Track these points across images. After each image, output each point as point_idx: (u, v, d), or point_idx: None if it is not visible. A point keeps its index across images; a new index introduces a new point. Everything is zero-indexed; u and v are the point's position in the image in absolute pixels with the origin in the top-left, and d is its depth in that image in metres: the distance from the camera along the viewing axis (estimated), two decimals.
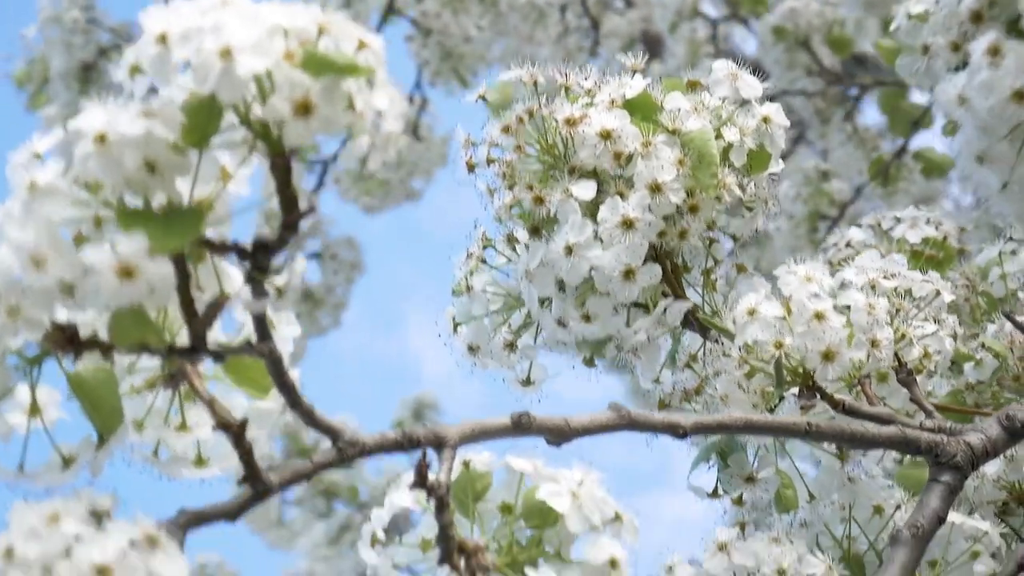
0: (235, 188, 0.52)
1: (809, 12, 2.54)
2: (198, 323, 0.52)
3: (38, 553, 0.47)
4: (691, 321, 0.91)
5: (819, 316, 0.82)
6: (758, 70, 0.93)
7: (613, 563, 0.64)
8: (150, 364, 0.59)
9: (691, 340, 0.95)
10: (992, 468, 0.94)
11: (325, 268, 2.26)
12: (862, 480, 0.97)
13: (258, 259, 0.53)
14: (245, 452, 0.55)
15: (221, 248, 0.52)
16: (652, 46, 2.73)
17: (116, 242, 0.49)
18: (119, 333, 0.51)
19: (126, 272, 0.49)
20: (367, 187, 2.17)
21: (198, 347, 0.53)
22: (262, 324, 0.54)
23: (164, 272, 0.49)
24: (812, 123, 2.58)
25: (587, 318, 0.83)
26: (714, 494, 0.96)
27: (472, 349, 0.93)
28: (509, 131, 0.85)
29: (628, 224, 0.82)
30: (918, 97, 2.60)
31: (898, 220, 1.42)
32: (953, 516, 0.98)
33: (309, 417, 0.59)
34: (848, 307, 0.86)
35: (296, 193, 0.52)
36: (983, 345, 1.10)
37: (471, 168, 0.89)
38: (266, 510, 2.63)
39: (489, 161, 0.87)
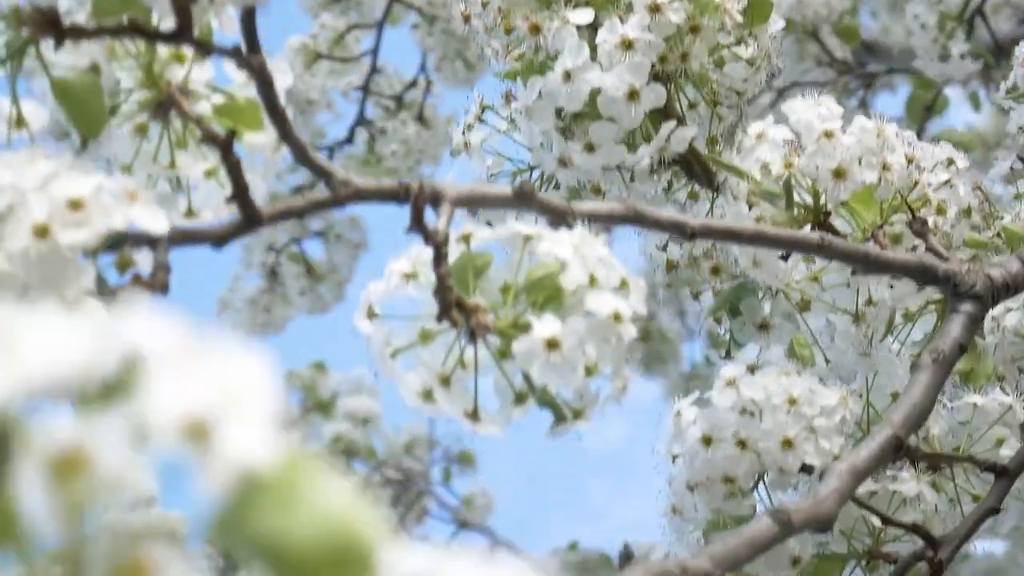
0: None
1: (816, 2, 2.54)
2: None
3: (11, 180, 0.45)
4: (696, 172, 0.89)
5: (828, 135, 0.81)
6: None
7: (617, 317, 0.61)
8: (135, 100, 0.58)
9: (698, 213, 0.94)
10: (1012, 320, 0.92)
11: (329, 248, 2.24)
12: (879, 354, 0.95)
13: None
14: (233, 167, 0.53)
15: None
16: None
17: None
18: (101, 6, 0.50)
19: None
20: (374, 174, 2.16)
21: (183, 29, 0.52)
22: (251, 30, 0.53)
23: None
24: None
25: (589, 148, 0.81)
26: (727, 355, 0.93)
27: (471, 209, 0.91)
28: None
29: (628, 45, 0.80)
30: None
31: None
32: (974, 398, 0.95)
33: (301, 152, 0.57)
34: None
35: None
36: (999, 233, 1.08)
37: (467, 19, 0.88)
38: None
39: (484, 3, 0.86)
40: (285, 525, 0.22)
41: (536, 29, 0.81)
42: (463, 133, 0.88)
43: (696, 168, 0.89)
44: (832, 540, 0.87)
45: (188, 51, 0.57)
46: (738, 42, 0.89)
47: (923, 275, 0.83)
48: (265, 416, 0.23)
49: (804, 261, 0.97)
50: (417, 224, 0.60)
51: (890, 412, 0.78)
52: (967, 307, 0.83)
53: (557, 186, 0.90)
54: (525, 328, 0.62)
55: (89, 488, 0.22)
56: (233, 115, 0.59)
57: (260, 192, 0.59)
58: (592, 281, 0.63)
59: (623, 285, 0.64)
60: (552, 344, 0.60)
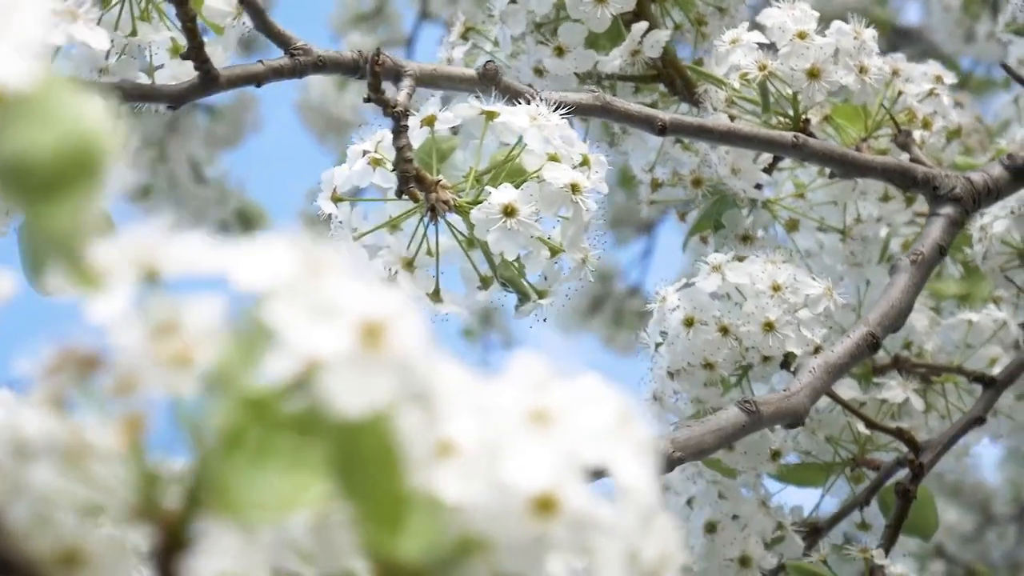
0: None
1: None
2: None
3: None
4: (678, 88, 0.89)
5: (801, 35, 0.81)
6: None
7: (575, 187, 0.62)
8: None
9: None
10: (999, 228, 0.91)
11: None
12: (869, 266, 0.95)
13: None
14: (188, 19, 0.54)
15: None
16: None
17: None
18: None
19: None
20: None
21: None
22: None
23: None
24: None
25: (559, 51, 0.82)
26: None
27: None
28: None
29: None
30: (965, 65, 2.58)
31: None
32: (968, 314, 0.95)
33: (260, 17, 0.58)
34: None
35: None
36: (993, 158, 1.08)
37: None
38: None
39: None
40: (31, 139, 0.23)
41: None
42: (447, 50, 0.89)
43: (678, 84, 0.89)
44: (817, 448, 0.87)
45: None
46: None
47: (902, 178, 0.84)
48: (29, 36, 0.23)
49: (792, 182, 0.98)
50: (376, 94, 0.61)
51: (867, 311, 0.78)
52: (947, 210, 0.83)
53: None
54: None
55: None
56: None
57: (222, 61, 0.60)
58: (553, 159, 0.64)
59: (584, 161, 0.65)
60: (509, 211, 0.60)
